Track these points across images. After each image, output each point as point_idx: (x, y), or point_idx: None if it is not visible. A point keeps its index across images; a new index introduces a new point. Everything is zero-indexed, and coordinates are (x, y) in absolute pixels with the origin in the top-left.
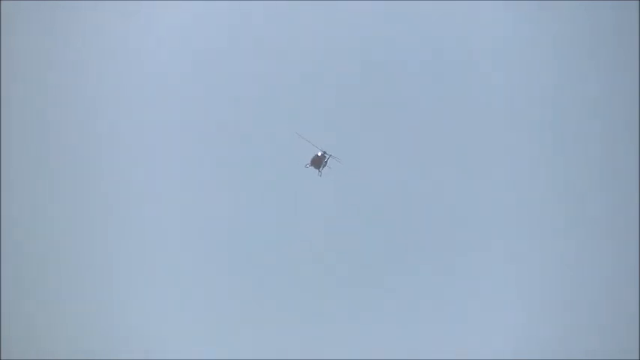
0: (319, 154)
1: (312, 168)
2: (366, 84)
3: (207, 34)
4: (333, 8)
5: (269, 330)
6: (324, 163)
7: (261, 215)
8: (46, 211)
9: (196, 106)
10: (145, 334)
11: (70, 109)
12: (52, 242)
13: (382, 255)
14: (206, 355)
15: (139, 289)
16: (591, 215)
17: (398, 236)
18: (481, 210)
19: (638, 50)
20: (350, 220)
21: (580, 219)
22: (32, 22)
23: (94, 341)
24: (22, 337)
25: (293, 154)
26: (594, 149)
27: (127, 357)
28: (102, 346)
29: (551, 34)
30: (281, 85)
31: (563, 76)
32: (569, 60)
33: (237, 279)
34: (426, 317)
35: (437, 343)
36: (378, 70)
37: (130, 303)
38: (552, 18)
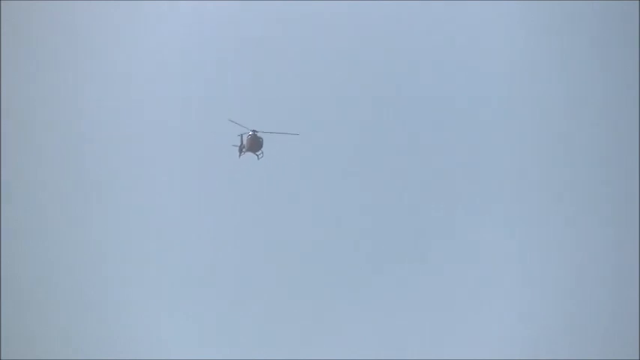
0: (249, 134)
1: (248, 154)
2: (367, 85)
3: (205, 35)
4: (332, 8)
5: (268, 330)
6: (259, 142)
7: (261, 214)
8: (47, 212)
9: (194, 106)
10: (145, 334)
11: (68, 109)
12: (52, 243)
13: (380, 255)
14: (206, 355)
15: (138, 290)
16: (591, 215)
17: (397, 236)
18: (481, 210)
19: (638, 50)
20: (350, 219)
21: (580, 219)
22: (32, 22)
23: (93, 341)
24: (22, 337)
25: (292, 153)
26: (594, 148)
27: (126, 357)
28: (102, 346)
29: (550, 34)
30: (279, 85)
31: (562, 76)
32: (568, 60)
33: (235, 278)
34: (425, 317)
35: (435, 342)
36: (380, 71)
37: (129, 304)
38: (552, 18)
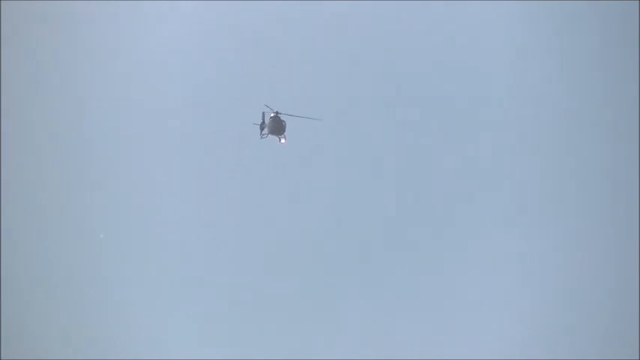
0: (272, 114)
1: (269, 137)
2: (367, 85)
3: (205, 35)
4: (332, 8)
5: (267, 330)
6: (282, 126)
7: (262, 214)
8: (47, 212)
9: (193, 106)
10: (145, 334)
11: (68, 109)
12: (52, 243)
13: (380, 255)
14: (206, 355)
15: (138, 290)
16: (591, 215)
17: (396, 236)
18: (481, 209)
19: (638, 50)
20: (350, 219)
21: (580, 219)
22: (32, 22)
23: (93, 341)
24: (22, 337)
25: (293, 153)
26: (594, 148)
27: (126, 357)
28: (102, 346)
29: (551, 34)
30: (279, 85)
31: (562, 76)
32: (568, 60)
33: (235, 279)
34: (425, 317)
35: (436, 342)
36: (380, 71)
37: (129, 304)
38: (552, 18)
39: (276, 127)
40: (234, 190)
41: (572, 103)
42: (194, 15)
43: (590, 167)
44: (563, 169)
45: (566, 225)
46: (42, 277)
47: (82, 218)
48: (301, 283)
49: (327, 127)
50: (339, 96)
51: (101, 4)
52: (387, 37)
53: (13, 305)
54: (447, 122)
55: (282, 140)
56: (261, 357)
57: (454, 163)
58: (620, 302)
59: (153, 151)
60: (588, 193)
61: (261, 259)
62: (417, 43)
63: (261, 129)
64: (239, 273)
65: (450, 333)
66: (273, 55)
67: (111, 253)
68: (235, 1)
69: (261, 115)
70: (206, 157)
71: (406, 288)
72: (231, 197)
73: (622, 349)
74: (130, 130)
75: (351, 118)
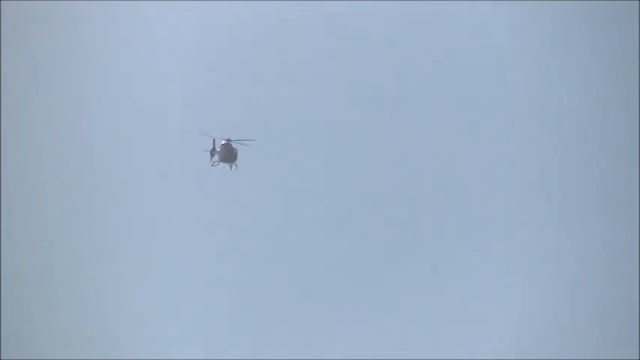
0: (223, 142)
1: (221, 164)
2: (366, 85)
3: (205, 35)
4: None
5: (267, 330)
6: (234, 153)
7: (262, 214)
8: (47, 212)
9: (194, 106)
10: (145, 334)
11: (68, 109)
12: (52, 243)
13: (378, 254)
14: (206, 355)
15: (138, 290)
16: (592, 215)
17: (395, 235)
18: (480, 210)
19: (638, 50)
20: (349, 220)
21: (581, 219)
22: (32, 22)
23: (93, 341)
24: (22, 337)
25: (294, 154)
26: (594, 149)
27: (126, 357)
28: (102, 346)
29: (550, 34)
30: (279, 85)
31: (562, 76)
32: (568, 60)
33: (235, 279)
34: (424, 317)
35: (435, 343)
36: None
37: (129, 304)
38: (551, 18)
39: (227, 154)
40: (235, 190)
41: (572, 102)
42: (194, 15)
43: (590, 166)
44: (563, 168)
45: (566, 224)
46: (42, 277)
47: (82, 218)
48: (301, 282)
49: (327, 127)
50: (339, 96)
51: (101, 4)
52: (387, 37)
53: (13, 305)
54: (447, 122)
55: (234, 167)
56: (261, 357)
57: (453, 163)
58: (620, 302)
59: (153, 151)
60: (589, 193)
61: (262, 259)
62: (417, 43)
63: (212, 155)
64: (239, 273)
65: (449, 333)
66: (273, 55)
67: (111, 253)
68: (235, 1)
69: (212, 141)
70: (206, 156)
71: (405, 288)
72: (232, 197)
73: (622, 349)
74: (130, 130)
75: (351, 118)
